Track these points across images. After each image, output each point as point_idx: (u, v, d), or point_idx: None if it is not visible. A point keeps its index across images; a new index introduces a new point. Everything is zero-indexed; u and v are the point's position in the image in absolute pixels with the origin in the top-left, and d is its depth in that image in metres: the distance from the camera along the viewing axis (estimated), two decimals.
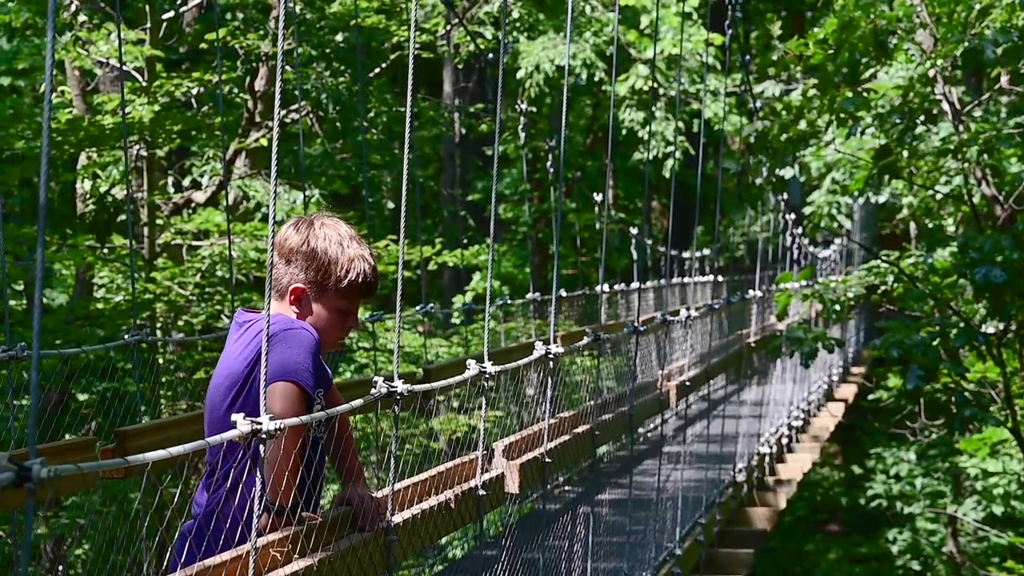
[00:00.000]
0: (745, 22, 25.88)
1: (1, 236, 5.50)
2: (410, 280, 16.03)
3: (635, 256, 17.94)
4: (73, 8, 11.66)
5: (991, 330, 9.21)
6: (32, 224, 11.73)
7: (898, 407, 18.98)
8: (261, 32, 12.61)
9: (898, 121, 9.12)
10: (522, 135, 13.74)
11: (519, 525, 4.76)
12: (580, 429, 5.50)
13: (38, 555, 9.76)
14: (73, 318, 11.09)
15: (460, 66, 18.07)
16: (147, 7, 11.98)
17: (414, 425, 10.10)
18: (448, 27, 14.03)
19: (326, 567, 3.03)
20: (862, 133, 9.87)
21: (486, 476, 4.06)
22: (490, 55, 13.87)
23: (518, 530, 4.66)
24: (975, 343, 8.75)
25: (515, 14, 18.64)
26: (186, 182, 13.69)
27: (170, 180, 13.66)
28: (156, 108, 10.97)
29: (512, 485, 4.36)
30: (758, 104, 13.38)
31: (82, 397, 9.91)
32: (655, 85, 18.99)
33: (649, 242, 19.27)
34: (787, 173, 14.23)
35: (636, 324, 6.53)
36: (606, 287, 14.48)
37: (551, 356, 4.57)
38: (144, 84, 11.57)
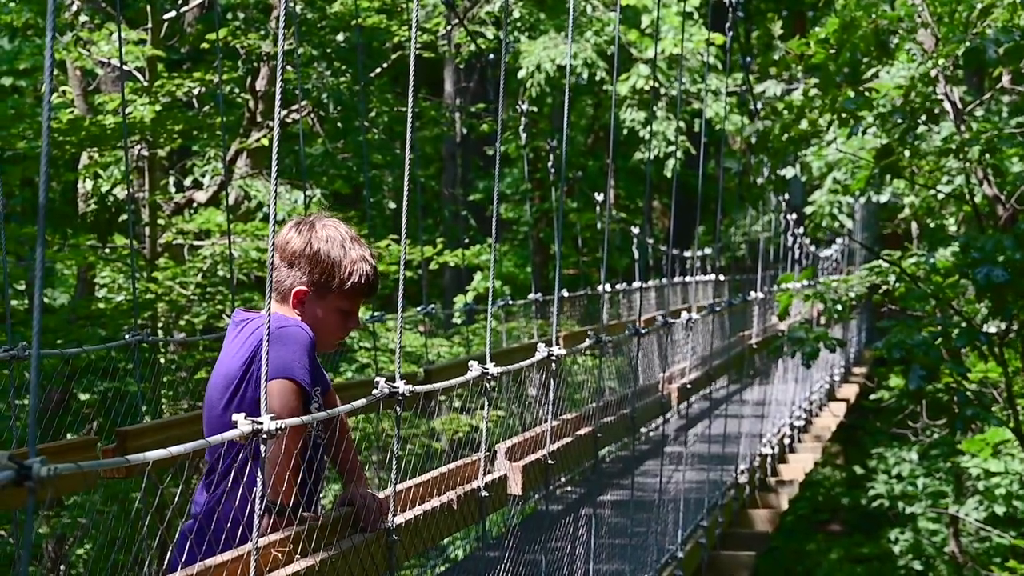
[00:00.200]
0: (746, 22, 25.89)
1: (3, 236, 5.49)
2: (411, 280, 16.02)
3: (636, 256, 17.95)
4: (74, 8, 11.66)
5: (993, 330, 9.21)
6: (33, 224, 11.73)
7: (900, 407, 18.98)
8: (262, 32, 12.60)
9: (900, 121, 9.11)
10: (523, 135, 13.74)
11: (521, 526, 4.75)
12: (582, 431, 5.50)
13: (40, 555, 9.76)
14: (74, 318, 11.08)
15: (461, 66, 18.07)
16: (148, 7, 11.98)
17: (416, 425, 10.10)
18: (449, 27, 14.03)
19: (328, 567, 3.03)
20: (863, 133, 9.86)
21: (489, 477, 4.06)
22: (491, 55, 13.86)
23: (520, 531, 4.66)
24: (977, 343, 8.74)
25: (516, 14, 18.64)
26: (187, 182, 13.69)
27: (171, 180, 13.66)
28: (157, 108, 10.97)
29: (515, 486, 4.35)
30: (759, 104, 13.37)
31: (83, 397, 9.90)
32: (656, 85, 18.99)
33: (650, 242, 19.29)
34: (788, 173, 14.22)
35: (638, 326, 6.52)
36: (608, 287, 14.47)
37: (553, 358, 4.56)
38: (145, 84, 11.57)
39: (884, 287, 9.38)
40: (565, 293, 14.41)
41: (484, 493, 3.98)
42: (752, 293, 13.45)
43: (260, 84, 12.75)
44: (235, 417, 2.67)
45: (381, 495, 3.36)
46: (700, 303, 14.53)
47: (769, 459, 11.48)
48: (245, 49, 12.48)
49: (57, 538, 9.92)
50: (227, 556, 2.85)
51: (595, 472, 6.08)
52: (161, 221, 11.95)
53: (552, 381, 4.70)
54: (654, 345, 8.47)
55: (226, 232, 9.65)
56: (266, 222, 12.50)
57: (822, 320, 13.27)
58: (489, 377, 3.82)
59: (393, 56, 14.32)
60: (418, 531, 3.52)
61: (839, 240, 22.83)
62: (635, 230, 18.16)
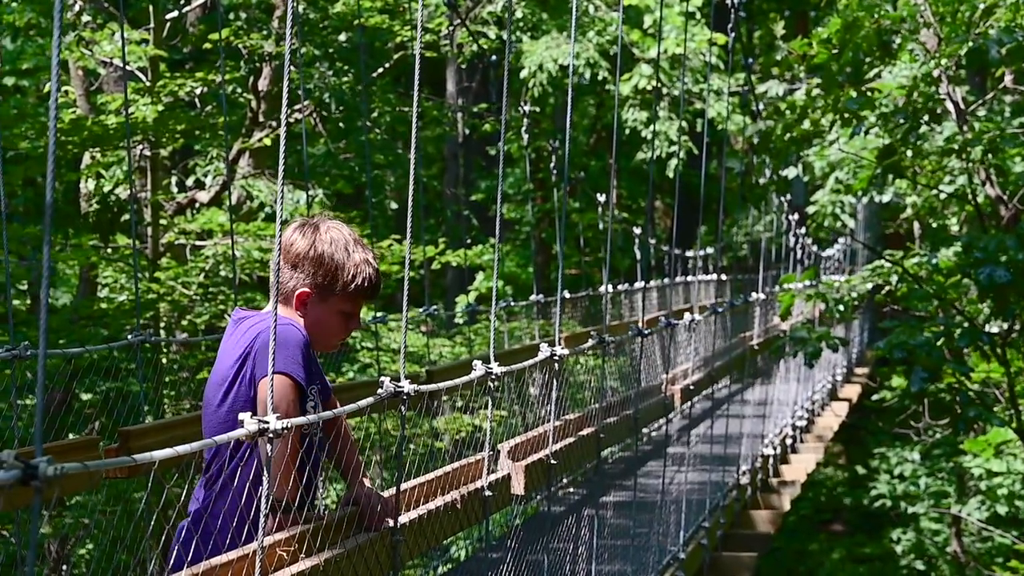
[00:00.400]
0: (748, 22, 25.88)
1: (5, 236, 5.49)
2: (413, 280, 16.03)
3: (639, 256, 17.94)
4: (77, 8, 11.66)
5: (995, 330, 9.20)
6: (36, 224, 11.73)
7: (902, 407, 18.96)
8: (264, 32, 12.61)
9: (902, 121, 9.11)
10: (525, 135, 13.73)
11: (524, 527, 4.75)
12: (585, 432, 5.50)
13: (42, 555, 9.76)
14: (77, 318, 11.09)
15: (463, 66, 18.07)
16: (151, 7, 11.98)
17: (418, 425, 10.10)
18: (451, 27, 14.03)
19: (332, 567, 3.03)
20: (866, 133, 9.85)
21: (492, 477, 4.06)
22: (493, 55, 13.86)
23: (523, 532, 4.66)
24: (979, 343, 8.73)
25: (519, 14, 18.64)
26: (189, 182, 13.69)
27: (174, 180, 13.66)
28: (160, 108, 10.97)
29: (517, 486, 4.36)
30: (761, 104, 13.37)
31: (85, 397, 9.91)
32: (658, 85, 18.97)
33: (653, 242, 19.29)
34: (790, 173, 14.22)
35: (640, 327, 6.52)
36: (610, 287, 14.47)
37: (556, 358, 4.56)
38: (148, 84, 11.57)
39: (886, 287, 9.38)
40: (567, 294, 14.41)
41: (488, 493, 3.98)
42: (754, 293, 13.45)
43: (262, 84, 12.75)
44: (241, 416, 2.68)
45: (385, 494, 3.37)
46: (702, 303, 14.52)
47: (771, 459, 11.48)
48: (247, 49, 12.48)
49: (60, 538, 9.93)
50: (232, 555, 2.85)
51: (597, 473, 6.08)
52: (163, 221, 11.96)
53: (555, 381, 4.70)
54: (656, 346, 8.47)
55: (228, 232, 9.66)
56: (268, 222, 12.50)
57: (824, 319, 13.26)
58: (492, 377, 3.82)
59: (395, 56, 14.32)
60: (422, 531, 3.52)
61: (841, 240, 22.82)
62: (637, 230, 18.15)
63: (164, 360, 10.50)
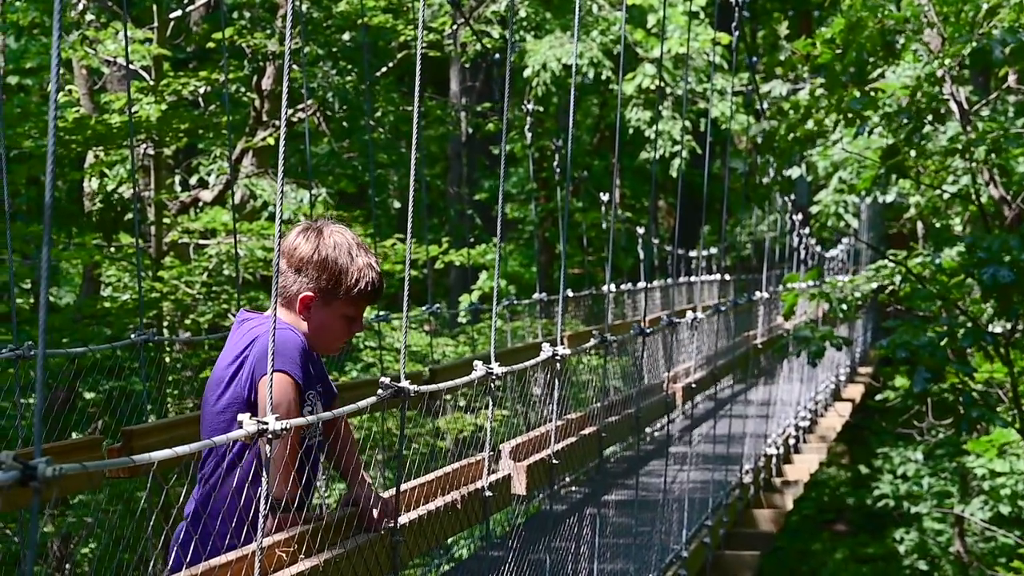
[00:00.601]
0: (752, 21, 25.86)
1: (8, 235, 5.51)
2: (416, 279, 16.03)
3: (642, 255, 17.94)
4: (80, 7, 11.67)
5: (999, 330, 9.20)
6: (39, 222, 11.74)
7: (905, 407, 18.95)
8: (268, 31, 12.61)
9: (905, 121, 9.11)
10: (528, 134, 13.73)
11: (526, 526, 4.75)
12: (587, 431, 5.49)
13: (45, 553, 9.77)
14: (80, 317, 11.10)
15: (467, 65, 18.07)
16: (154, 6, 11.99)
17: (420, 424, 10.10)
18: (455, 26, 14.03)
19: (332, 567, 3.03)
20: (869, 133, 9.85)
21: (493, 477, 4.06)
22: (496, 54, 13.86)
23: (525, 531, 4.66)
24: (983, 343, 8.73)
25: (522, 13, 18.63)
26: (193, 181, 13.70)
27: (177, 179, 13.67)
28: (163, 107, 10.97)
29: (519, 486, 4.35)
30: (765, 104, 13.37)
31: (89, 396, 9.92)
32: (662, 84, 18.98)
33: (656, 241, 19.29)
34: (794, 173, 14.21)
35: (643, 326, 6.52)
36: (613, 287, 14.47)
37: (558, 358, 4.56)
38: (151, 83, 11.58)
39: (890, 287, 9.38)
40: (570, 293, 14.41)
41: (488, 493, 3.98)
42: (757, 293, 13.43)
43: (266, 83, 12.75)
44: (240, 417, 2.69)
45: (386, 495, 3.37)
46: (705, 303, 14.52)
47: (774, 459, 11.47)
48: (251, 48, 12.48)
49: (62, 537, 9.93)
50: (231, 556, 2.85)
51: (599, 472, 6.08)
52: (167, 220, 11.96)
53: (557, 381, 4.71)
54: (659, 345, 8.47)
55: (232, 231, 9.66)
56: (272, 221, 12.50)
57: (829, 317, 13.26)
58: (493, 377, 3.82)
59: (399, 55, 14.33)
60: (422, 531, 3.52)
61: (845, 240, 22.80)
62: (640, 230, 18.15)
63: (167, 359, 10.50)
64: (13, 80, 14.83)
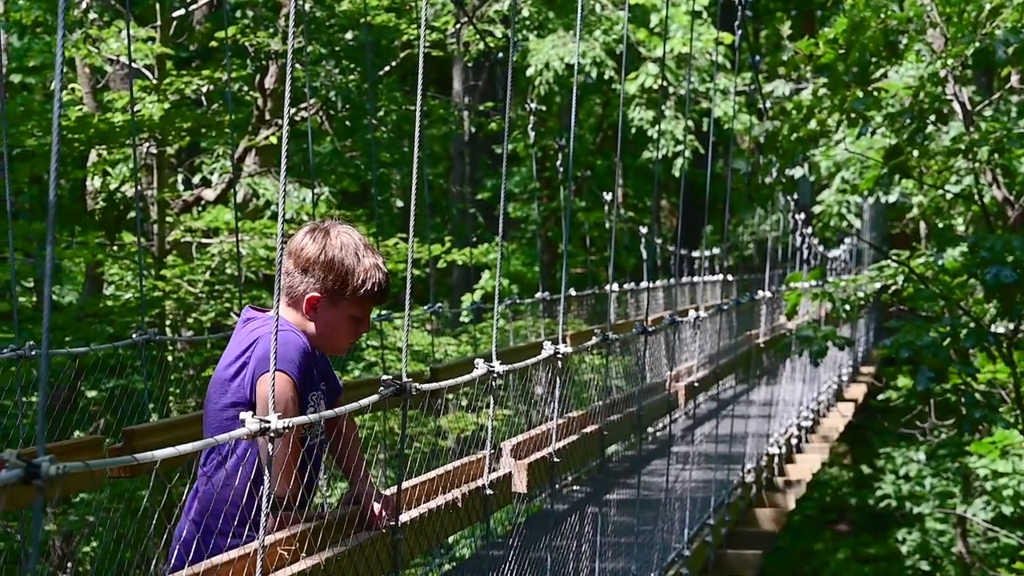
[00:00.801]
0: (755, 21, 25.84)
1: (11, 233, 5.52)
2: (419, 278, 16.04)
3: (644, 255, 17.92)
4: (84, 6, 11.67)
5: (1001, 330, 9.20)
6: (41, 221, 11.74)
7: (908, 407, 18.93)
8: (271, 30, 12.61)
9: (908, 121, 9.10)
10: (531, 133, 13.73)
11: (527, 524, 4.75)
12: (589, 429, 5.49)
13: (47, 551, 9.78)
14: (82, 315, 11.10)
15: (470, 64, 18.08)
16: (157, 5, 12.00)
17: (422, 423, 10.10)
18: (458, 25, 14.03)
19: (333, 566, 3.03)
20: (872, 133, 9.84)
21: (493, 475, 4.06)
22: (499, 53, 13.87)
23: (526, 530, 4.66)
24: (985, 343, 8.73)
25: (525, 12, 18.63)
26: (196, 179, 13.70)
27: (180, 178, 13.67)
28: (166, 106, 10.98)
29: (520, 484, 4.35)
30: (768, 103, 13.36)
31: (91, 395, 9.92)
32: (665, 84, 18.98)
33: (658, 241, 19.26)
34: (797, 173, 14.20)
35: (645, 324, 6.51)
36: (615, 286, 14.47)
37: (559, 356, 4.56)
38: (154, 82, 11.58)
39: (893, 287, 9.37)
40: (572, 292, 14.41)
41: (489, 491, 3.98)
42: (760, 292, 13.43)
43: (269, 82, 12.75)
44: (242, 416, 2.69)
45: (387, 493, 3.37)
46: (708, 303, 14.51)
47: (776, 459, 11.47)
48: (254, 47, 12.48)
49: (64, 535, 9.94)
50: (233, 554, 2.85)
51: (601, 471, 6.08)
52: (169, 219, 11.97)
53: (558, 379, 4.71)
54: (661, 344, 8.47)
55: (234, 230, 9.67)
56: (274, 220, 12.50)
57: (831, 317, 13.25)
58: (495, 375, 3.82)
59: (402, 54, 14.32)
60: (423, 529, 3.52)
61: (847, 240, 22.78)
62: (643, 229, 18.14)
63: (169, 358, 10.51)
64: (16, 78, 14.83)
